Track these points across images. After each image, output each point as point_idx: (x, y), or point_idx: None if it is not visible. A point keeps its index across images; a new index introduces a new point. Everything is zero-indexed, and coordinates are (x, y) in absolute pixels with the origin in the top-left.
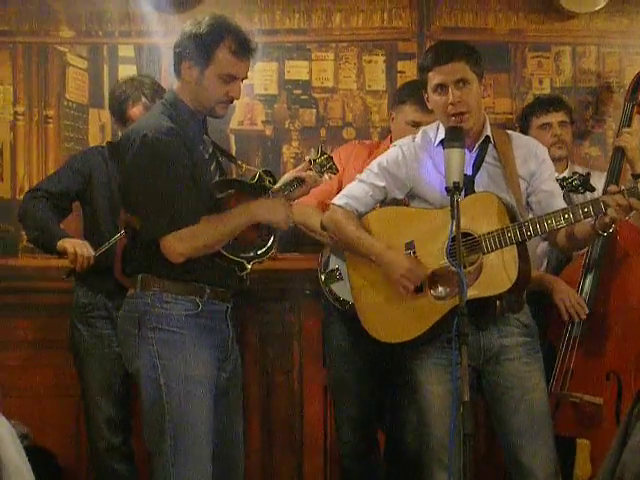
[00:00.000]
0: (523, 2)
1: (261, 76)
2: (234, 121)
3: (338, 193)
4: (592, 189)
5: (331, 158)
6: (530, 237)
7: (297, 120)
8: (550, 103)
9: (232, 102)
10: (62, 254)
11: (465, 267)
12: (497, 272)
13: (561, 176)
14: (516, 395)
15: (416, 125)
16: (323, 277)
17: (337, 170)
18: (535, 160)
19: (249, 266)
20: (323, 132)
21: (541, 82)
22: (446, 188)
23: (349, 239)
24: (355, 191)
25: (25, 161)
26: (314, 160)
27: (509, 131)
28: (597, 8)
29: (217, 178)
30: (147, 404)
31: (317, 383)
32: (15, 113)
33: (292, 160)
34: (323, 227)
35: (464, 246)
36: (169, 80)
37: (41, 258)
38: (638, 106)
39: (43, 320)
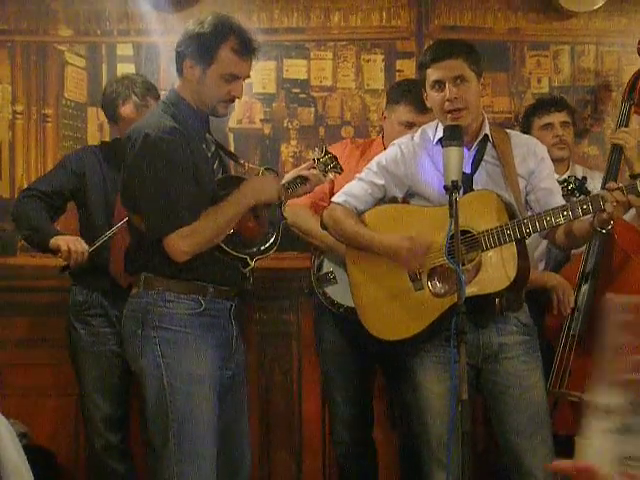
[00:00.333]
0: (522, 1)
1: (259, 75)
2: (233, 120)
3: (331, 193)
4: (588, 193)
5: (335, 158)
6: (529, 234)
7: (295, 119)
8: (552, 103)
9: (234, 101)
10: (56, 252)
11: (464, 264)
12: (496, 270)
13: (562, 177)
14: (515, 394)
15: (409, 125)
16: (317, 279)
17: (342, 170)
18: (534, 158)
19: (252, 262)
20: (322, 131)
21: (540, 81)
22: (444, 187)
23: (349, 234)
24: (354, 189)
25: (24, 160)
26: (318, 159)
27: (508, 130)
28: (596, 7)
29: (219, 176)
30: (151, 403)
31: (316, 382)
32: (14, 112)
33: (291, 159)
34: (323, 225)
35: (463, 243)
36: (168, 78)
37: (39, 257)
38: (635, 106)
39: (41, 319)
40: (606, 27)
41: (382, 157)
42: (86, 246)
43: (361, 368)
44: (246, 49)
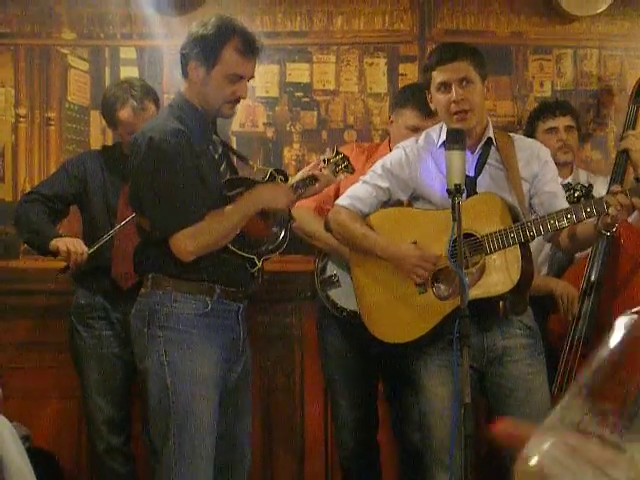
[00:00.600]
0: (525, 5)
1: (262, 78)
2: (235, 123)
3: (336, 196)
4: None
5: (347, 158)
6: (533, 237)
7: (298, 122)
8: (556, 107)
9: (239, 102)
10: (56, 254)
11: (468, 268)
12: (500, 273)
13: (566, 181)
14: (519, 397)
15: (415, 130)
16: (320, 282)
17: (353, 170)
18: (538, 162)
19: (259, 262)
20: (324, 135)
21: (542, 85)
22: (447, 190)
23: (354, 237)
24: (359, 192)
25: (27, 163)
26: (328, 159)
27: (512, 133)
28: (599, 11)
29: (227, 177)
30: (153, 402)
31: (318, 385)
32: (17, 115)
33: (293, 162)
34: (327, 228)
35: (467, 247)
36: (171, 81)
37: (41, 260)
38: None
39: (43, 322)
40: (609, 31)
41: (387, 160)
42: (85, 247)
43: (365, 371)
44: (249, 49)
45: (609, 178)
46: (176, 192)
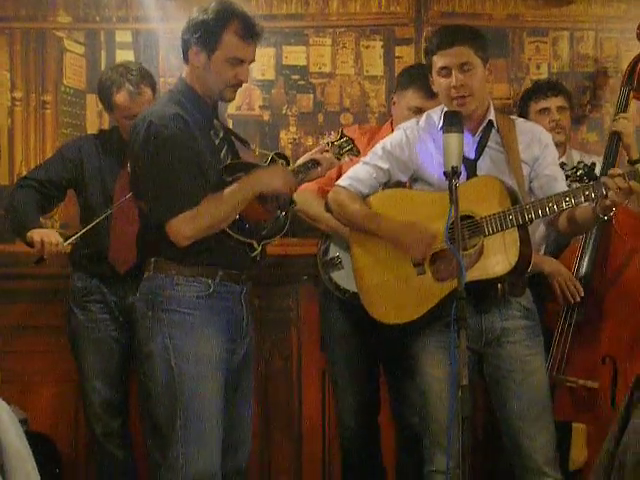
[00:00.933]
0: None
1: (258, 61)
2: (232, 106)
3: (337, 179)
4: (597, 179)
5: (352, 140)
6: (532, 220)
7: (294, 105)
8: (549, 88)
9: (241, 85)
10: (31, 244)
11: (466, 249)
12: (498, 255)
13: (559, 162)
14: (517, 378)
15: (418, 111)
16: (322, 265)
17: (358, 152)
18: (539, 145)
19: (258, 247)
20: (320, 117)
21: (539, 67)
22: (444, 172)
23: (354, 217)
24: (359, 173)
25: (23, 147)
26: (332, 142)
27: (513, 117)
28: None
29: (228, 162)
30: (159, 385)
31: (316, 368)
32: (12, 99)
33: (289, 145)
34: (327, 208)
35: (465, 228)
36: (167, 65)
37: None
38: (634, 91)
39: (40, 306)
40: (605, 13)
41: (387, 141)
42: (60, 239)
43: (367, 354)
44: (250, 33)
45: (602, 159)
46: (174, 177)
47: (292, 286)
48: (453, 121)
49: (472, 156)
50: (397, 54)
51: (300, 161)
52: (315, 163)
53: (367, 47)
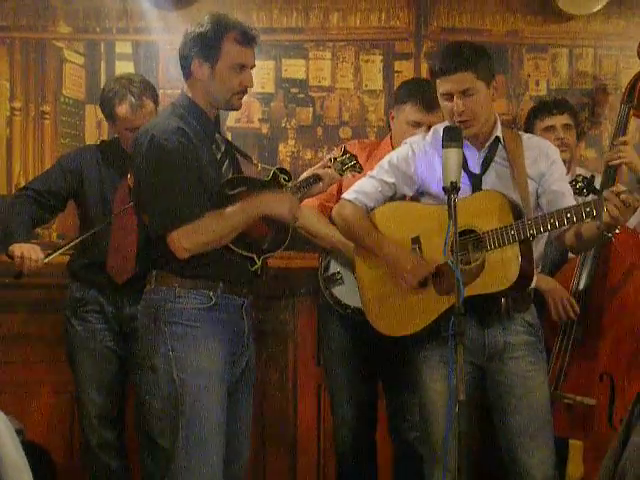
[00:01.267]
0: (521, 3)
1: (258, 74)
2: (231, 119)
3: (339, 195)
4: (596, 191)
5: (355, 157)
6: (533, 236)
7: (294, 118)
8: (554, 106)
9: (247, 92)
10: (11, 258)
11: (469, 264)
12: (498, 270)
13: None
14: (518, 393)
15: (417, 125)
16: (324, 280)
17: (361, 169)
18: (545, 160)
19: (259, 261)
20: (320, 131)
21: (538, 83)
22: (443, 188)
23: (357, 233)
24: (365, 187)
25: (21, 157)
26: (335, 158)
27: (521, 132)
28: (594, 10)
29: (230, 176)
30: (161, 397)
31: (311, 382)
32: (12, 109)
33: (288, 158)
34: (332, 221)
35: (467, 242)
36: (166, 76)
37: None
38: (634, 109)
39: (37, 316)
40: (604, 30)
41: (394, 155)
42: (42, 255)
43: (366, 369)
44: (247, 38)
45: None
46: (175, 190)
47: (288, 300)
48: (452, 136)
49: (478, 171)
50: (397, 69)
51: (303, 176)
52: (317, 178)
53: (367, 61)
